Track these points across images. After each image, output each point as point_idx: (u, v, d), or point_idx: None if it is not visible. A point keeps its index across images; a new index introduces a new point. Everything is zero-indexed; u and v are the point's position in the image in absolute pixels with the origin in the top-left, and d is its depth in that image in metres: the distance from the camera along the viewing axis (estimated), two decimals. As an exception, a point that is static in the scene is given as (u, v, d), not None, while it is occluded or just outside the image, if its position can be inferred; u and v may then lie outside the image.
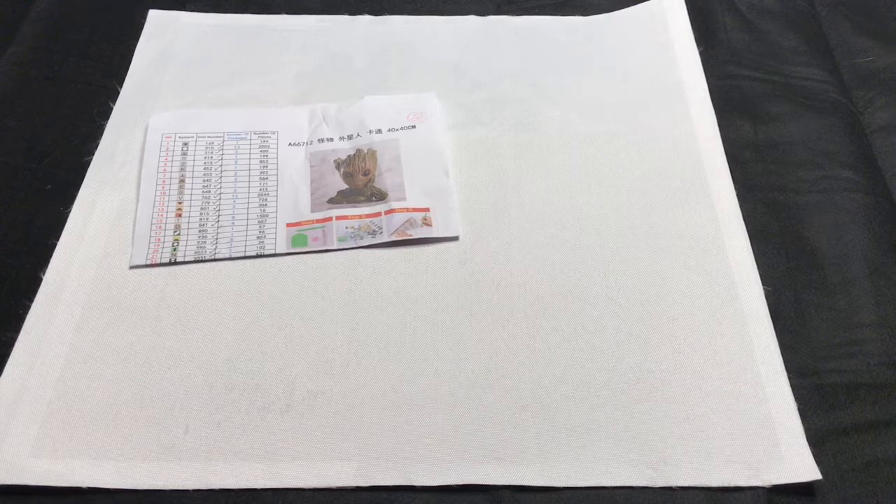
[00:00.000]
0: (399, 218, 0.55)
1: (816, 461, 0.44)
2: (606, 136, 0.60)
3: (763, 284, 0.52)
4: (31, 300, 0.50)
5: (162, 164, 0.57)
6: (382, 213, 0.55)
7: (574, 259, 0.53)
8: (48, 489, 0.43)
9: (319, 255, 0.53)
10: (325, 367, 0.48)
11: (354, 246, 0.54)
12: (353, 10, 0.70)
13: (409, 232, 0.54)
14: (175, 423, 0.45)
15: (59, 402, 0.46)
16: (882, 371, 0.48)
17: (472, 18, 0.70)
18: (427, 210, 0.55)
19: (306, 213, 0.56)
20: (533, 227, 0.55)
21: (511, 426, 0.46)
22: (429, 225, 0.55)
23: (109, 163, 0.58)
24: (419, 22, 0.69)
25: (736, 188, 0.57)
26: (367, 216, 0.55)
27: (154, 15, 0.69)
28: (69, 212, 0.55)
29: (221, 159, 0.58)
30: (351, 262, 0.53)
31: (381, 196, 0.56)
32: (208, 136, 0.59)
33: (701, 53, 0.66)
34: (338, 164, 0.58)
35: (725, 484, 0.43)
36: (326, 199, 0.56)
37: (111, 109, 0.61)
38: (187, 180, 0.57)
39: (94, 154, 0.58)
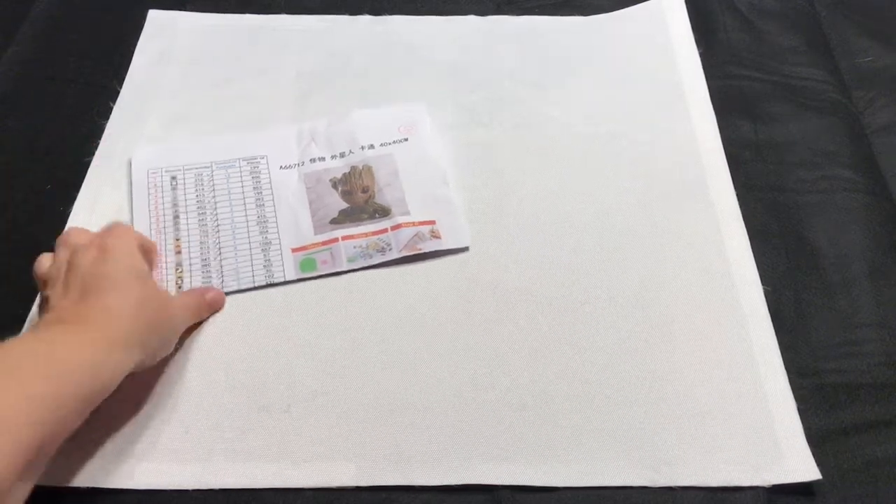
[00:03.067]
0: (407, 233, 0.53)
1: (816, 461, 0.44)
2: (606, 136, 0.60)
3: (763, 284, 0.52)
4: (32, 300, 0.50)
5: (152, 201, 0.55)
6: (389, 230, 0.54)
7: (574, 259, 0.53)
8: (48, 489, 0.43)
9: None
10: (325, 367, 0.48)
11: (365, 265, 0.52)
12: (354, 10, 0.70)
13: (418, 246, 0.53)
14: (175, 423, 0.45)
15: (59, 402, 0.46)
16: (882, 371, 0.48)
17: (471, 18, 0.70)
18: (433, 223, 0.54)
19: (310, 236, 0.54)
20: (533, 228, 0.55)
21: (511, 426, 0.46)
22: (437, 237, 0.53)
23: (109, 163, 0.58)
24: (419, 22, 0.69)
25: (736, 188, 0.57)
26: (374, 233, 0.54)
27: (154, 15, 0.69)
28: (69, 212, 0.55)
29: (213, 190, 0.56)
30: (351, 262, 0.53)
31: (384, 212, 0.55)
32: (196, 168, 0.57)
33: (701, 53, 0.66)
34: (334, 183, 0.57)
35: (725, 484, 0.43)
36: (328, 219, 0.55)
37: (111, 109, 0.61)
38: (181, 215, 0.55)
39: (94, 154, 0.58)
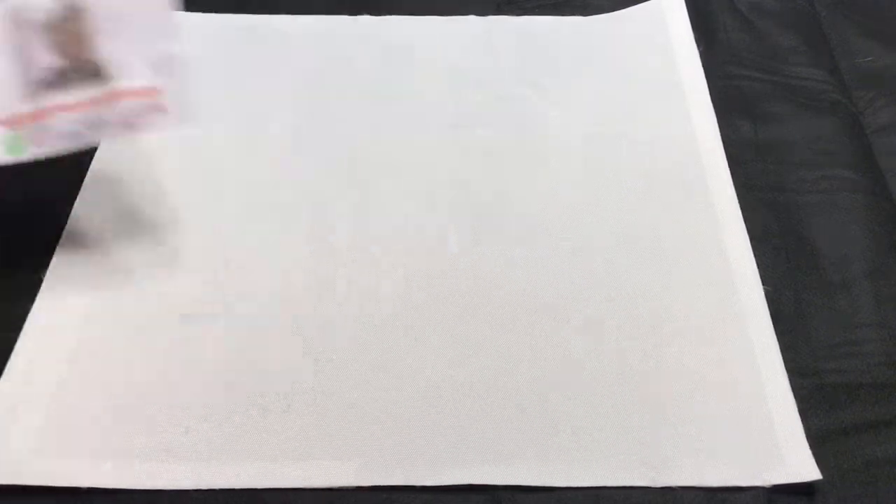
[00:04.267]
0: (127, 106, 0.44)
1: (816, 461, 0.44)
2: (606, 136, 0.60)
3: (763, 284, 0.52)
4: (32, 300, 0.50)
5: None
6: (103, 99, 0.43)
7: (574, 259, 0.53)
8: (48, 489, 0.43)
9: (319, 250, 0.53)
10: (325, 367, 0.48)
11: (77, 147, 0.44)
12: (354, 11, 0.70)
13: (138, 121, 0.44)
14: (175, 423, 0.45)
15: (60, 402, 0.46)
16: (882, 371, 0.48)
17: (472, 18, 0.70)
18: (156, 92, 0.44)
19: (15, 104, 0.43)
20: (532, 228, 0.55)
21: (511, 426, 0.46)
22: (162, 110, 0.44)
23: (109, 163, 0.58)
24: (419, 22, 0.69)
25: (736, 188, 0.57)
26: (88, 104, 0.43)
27: (153, 15, 0.68)
28: (69, 212, 0.55)
29: None
30: (351, 264, 0.53)
31: (95, 72, 0.44)
32: None
33: (701, 53, 0.66)
34: (43, 29, 0.43)
35: (725, 484, 0.43)
36: (36, 82, 0.44)
37: (111, 109, 0.61)
38: None
39: (93, 154, 0.58)
